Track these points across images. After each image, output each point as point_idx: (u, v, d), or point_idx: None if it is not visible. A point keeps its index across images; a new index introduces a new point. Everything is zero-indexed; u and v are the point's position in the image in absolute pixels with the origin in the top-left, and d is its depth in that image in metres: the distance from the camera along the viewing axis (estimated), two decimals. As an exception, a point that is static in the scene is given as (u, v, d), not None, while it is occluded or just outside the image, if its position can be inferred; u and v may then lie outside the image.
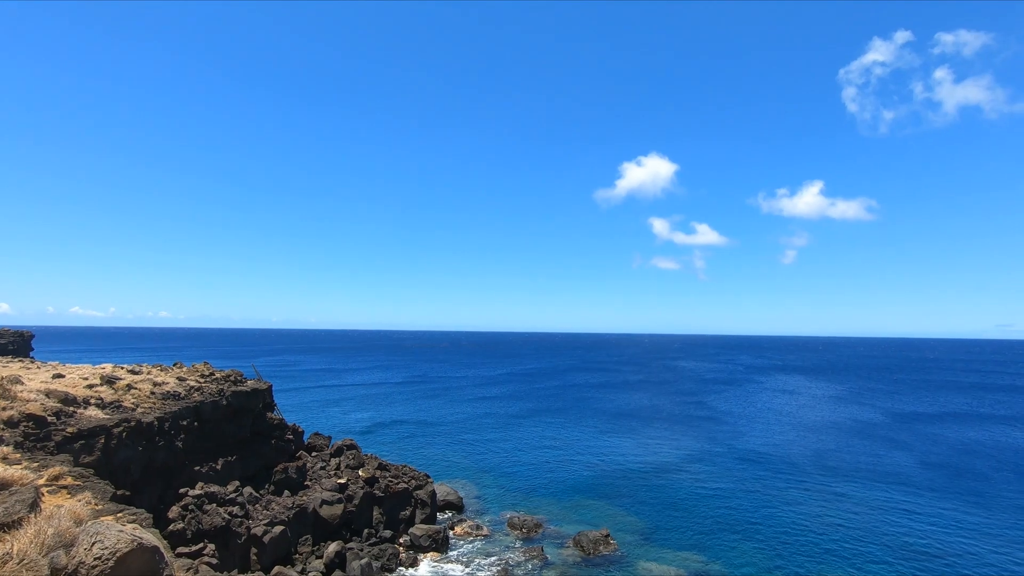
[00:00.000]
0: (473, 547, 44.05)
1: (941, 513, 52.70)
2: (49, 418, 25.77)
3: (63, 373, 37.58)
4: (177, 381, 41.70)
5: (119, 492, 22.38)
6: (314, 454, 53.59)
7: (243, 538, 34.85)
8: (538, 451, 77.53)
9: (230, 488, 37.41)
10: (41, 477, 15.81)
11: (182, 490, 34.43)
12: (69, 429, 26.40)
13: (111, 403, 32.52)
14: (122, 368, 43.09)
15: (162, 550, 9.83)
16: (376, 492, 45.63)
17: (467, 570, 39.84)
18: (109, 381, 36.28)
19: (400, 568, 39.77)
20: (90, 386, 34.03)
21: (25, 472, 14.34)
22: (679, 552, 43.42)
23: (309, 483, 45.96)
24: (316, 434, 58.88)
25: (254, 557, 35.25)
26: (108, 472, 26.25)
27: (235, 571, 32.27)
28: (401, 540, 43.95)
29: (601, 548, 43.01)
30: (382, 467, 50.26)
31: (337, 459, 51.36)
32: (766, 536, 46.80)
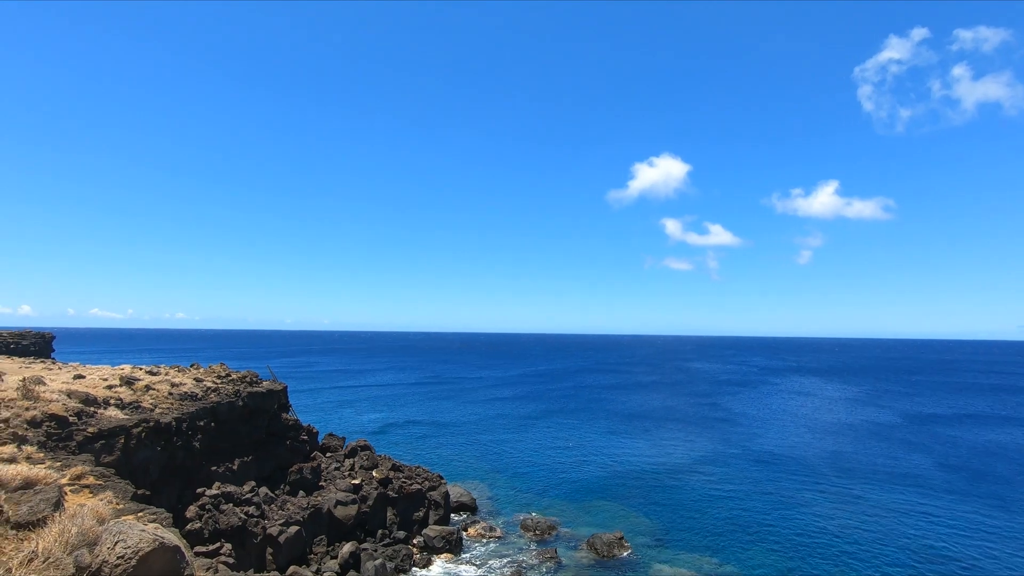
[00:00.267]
0: (487, 549, 44.08)
1: (961, 516, 51.81)
2: (71, 418, 26.22)
3: (83, 374, 38.24)
4: (194, 382, 42.21)
5: (139, 491, 22.71)
6: (328, 455, 53.95)
7: (259, 538, 35.18)
8: (551, 452, 77.41)
9: (246, 488, 37.77)
10: (64, 476, 16.09)
11: (199, 490, 34.83)
12: (90, 429, 26.84)
13: (130, 404, 33.01)
14: (140, 369, 43.74)
15: (183, 549, 9.97)
16: (390, 493, 45.83)
17: (480, 572, 39.87)
18: (128, 382, 36.83)
19: (414, 569, 39.90)
20: (110, 387, 34.58)
21: (48, 471, 14.60)
22: (694, 555, 43.11)
23: (323, 484, 46.27)
24: (330, 435, 59.28)
25: (270, 557, 35.57)
26: (128, 472, 26.64)
27: (251, 571, 32.57)
28: (415, 541, 44.09)
29: (615, 551, 42.83)
30: (396, 468, 50.48)
31: (351, 460, 51.67)
32: (781, 538, 46.32)
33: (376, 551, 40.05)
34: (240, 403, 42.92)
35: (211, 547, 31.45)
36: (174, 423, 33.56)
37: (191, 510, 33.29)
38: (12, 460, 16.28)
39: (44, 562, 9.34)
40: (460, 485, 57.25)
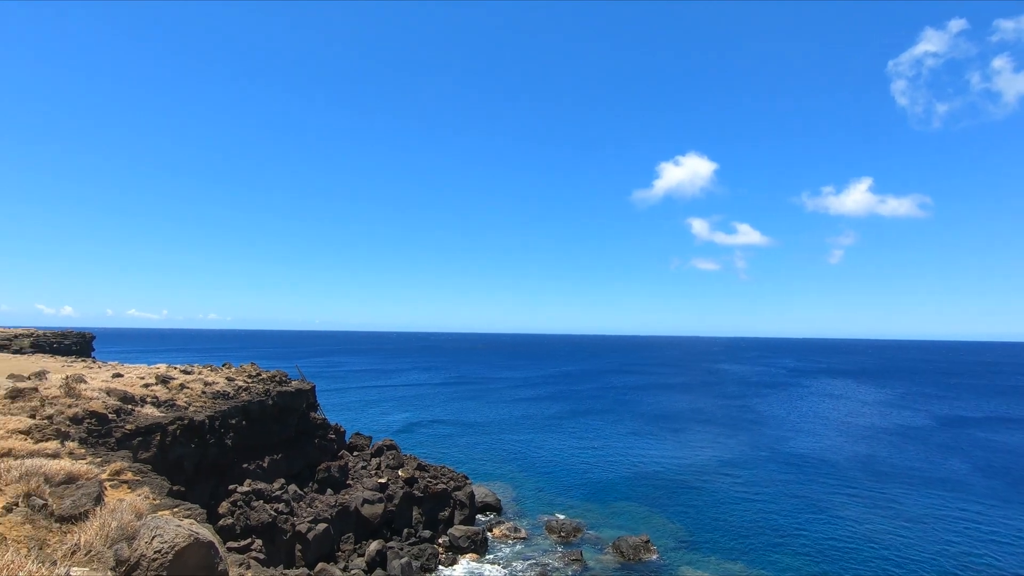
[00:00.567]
0: (512, 550, 44.11)
1: (1002, 523, 49.87)
2: (110, 415, 27.10)
3: (122, 373, 39.49)
4: (226, 381, 43.21)
5: (174, 487, 23.34)
6: (355, 454, 54.66)
7: (288, 534, 35.85)
8: (576, 453, 77.07)
9: (276, 486, 38.52)
10: (104, 472, 16.64)
11: (231, 487, 35.64)
12: (128, 426, 27.71)
13: (165, 402, 33.96)
14: (175, 368, 44.97)
15: (216, 545, 10.22)
16: (415, 492, 46.22)
17: (506, 573, 39.91)
18: (163, 381, 37.91)
19: (440, 568, 40.17)
20: (146, 385, 35.63)
21: (90, 467, 15.12)
22: (721, 560, 42.42)
23: (351, 482, 46.89)
24: (357, 434, 60.04)
25: (299, 553, 36.21)
26: (164, 468, 27.41)
27: (281, 566, 33.19)
28: (440, 540, 44.37)
29: (641, 554, 42.42)
30: (421, 468, 50.88)
31: (377, 459, 52.26)
32: (811, 543, 45.26)
33: (402, 550, 40.43)
34: (270, 402, 43.77)
35: (243, 543, 32.16)
36: (207, 421, 34.41)
37: (223, 506, 34.09)
38: (56, 455, 16.90)
39: (86, 555, 9.69)
40: (485, 485, 57.38)
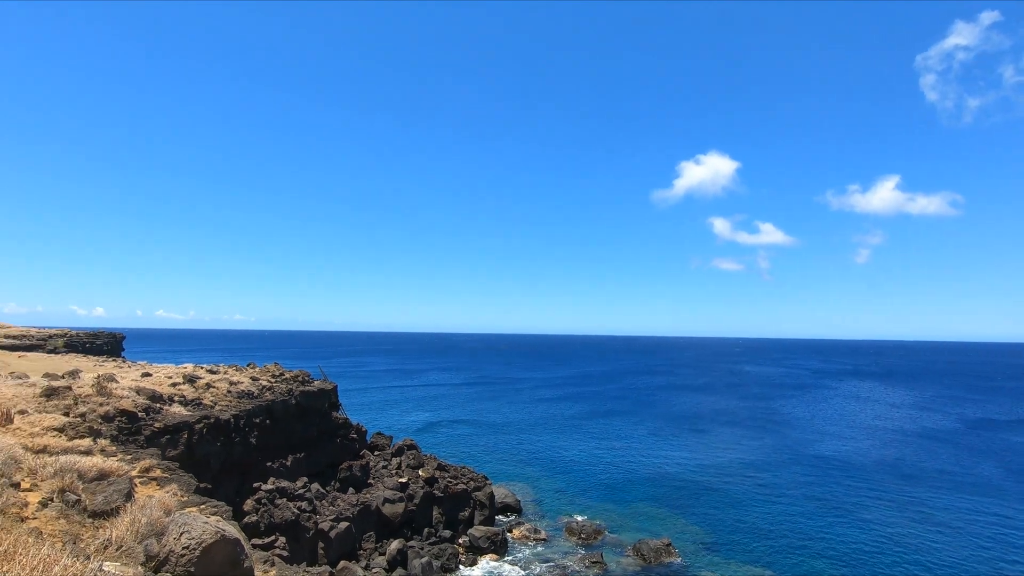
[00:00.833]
0: (531, 551, 44.06)
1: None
2: (139, 414, 27.81)
3: (150, 372, 40.49)
4: (251, 380, 43.99)
5: (201, 485, 23.86)
6: (376, 453, 55.16)
7: (311, 532, 36.33)
8: (597, 454, 76.67)
9: (299, 484, 39.08)
10: (134, 469, 17.10)
11: (255, 484, 36.26)
12: (157, 424, 28.39)
13: (192, 400, 34.71)
14: (202, 368, 45.93)
15: (242, 542, 10.43)
16: (436, 492, 46.47)
17: (525, 575, 39.90)
18: (190, 380, 38.75)
19: (460, 568, 40.32)
20: (174, 384, 36.47)
21: (120, 464, 15.55)
22: (744, 564, 41.82)
23: (372, 481, 47.35)
24: (378, 434, 60.59)
25: (321, 551, 36.69)
26: (191, 466, 27.99)
27: (304, 564, 33.67)
28: (460, 541, 44.53)
29: (663, 557, 42.02)
30: (441, 468, 51.13)
31: (398, 459, 52.67)
32: (837, 548, 44.32)
33: (423, 549, 40.68)
34: (293, 401, 44.44)
35: (267, 540, 32.69)
36: (232, 420, 35.07)
37: (248, 504, 34.69)
38: (88, 452, 17.41)
39: (117, 550, 9.97)
40: (505, 486, 57.39)
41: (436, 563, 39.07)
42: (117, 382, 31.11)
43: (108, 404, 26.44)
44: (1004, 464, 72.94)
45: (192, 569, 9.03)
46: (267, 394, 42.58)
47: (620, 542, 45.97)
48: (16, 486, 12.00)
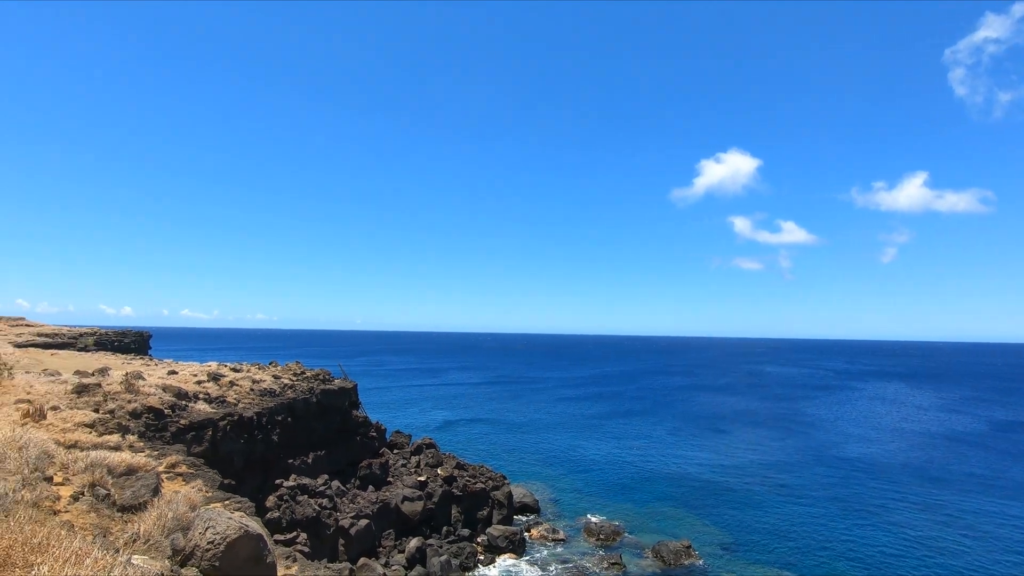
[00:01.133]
0: (549, 551, 44.03)
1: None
2: (166, 411, 28.43)
3: (176, 370, 41.36)
4: (273, 379, 44.67)
5: (225, 481, 24.31)
6: (395, 451, 55.61)
7: (332, 529, 36.78)
8: (616, 455, 76.28)
9: (320, 481, 39.59)
10: (161, 464, 17.49)
11: (277, 481, 36.83)
12: (182, 421, 29.00)
13: (216, 398, 35.37)
14: (225, 366, 46.77)
15: (265, 537, 10.62)
16: (454, 491, 46.70)
17: (543, 575, 39.89)
18: (214, 378, 39.49)
19: (479, 567, 40.47)
20: (199, 382, 37.20)
21: (148, 459, 15.91)
22: (766, 566, 41.27)
23: (391, 479, 47.74)
24: (397, 432, 61.07)
25: (341, 548, 37.12)
26: (215, 462, 28.53)
27: (325, 560, 34.10)
28: (479, 540, 44.69)
29: (682, 559, 41.66)
30: (460, 466, 51.35)
31: (417, 457, 53.04)
32: (860, 550, 43.48)
33: (441, 547, 40.92)
34: (314, 400, 45.00)
35: (288, 536, 33.17)
36: (255, 417, 35.66)
37: (270, 500, 35.24)
38: (117, 448, 17.86)
39: (145, 543, 10.23)
40: (523, 485, 57.41)
41: (455, 561, 39.27)
42: (144, 380, 31.85)
43: (136, 401, 27.08)
44: (1037, 469, 70.86)
45: (217, 564, 9.22)
46: (289, 392, 43.19)
47: (639, 543, 45.67)
48: (49, 480, 12.39)
